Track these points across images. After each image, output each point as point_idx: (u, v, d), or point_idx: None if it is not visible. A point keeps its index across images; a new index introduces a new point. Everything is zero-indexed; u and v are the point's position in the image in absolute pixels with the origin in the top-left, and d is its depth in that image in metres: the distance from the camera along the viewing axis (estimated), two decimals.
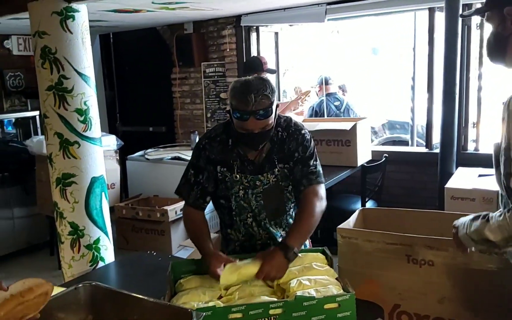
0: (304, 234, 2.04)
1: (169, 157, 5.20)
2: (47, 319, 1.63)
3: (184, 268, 2.02)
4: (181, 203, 4.58)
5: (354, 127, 4.38)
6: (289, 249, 1.90)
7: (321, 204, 2.07)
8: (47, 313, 1.64)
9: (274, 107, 2.01)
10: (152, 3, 4.20)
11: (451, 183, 3.48)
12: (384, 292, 2.06)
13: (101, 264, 2.78)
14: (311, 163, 2.13)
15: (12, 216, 5.21)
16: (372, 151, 4.85)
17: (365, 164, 4.40)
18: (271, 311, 1.63)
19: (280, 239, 2.13)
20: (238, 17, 5.59)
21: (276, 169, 2.11)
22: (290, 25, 5.84)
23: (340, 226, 2.18)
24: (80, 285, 1.78)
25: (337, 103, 5.34)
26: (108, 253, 2.82)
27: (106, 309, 1.71)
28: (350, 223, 2.27)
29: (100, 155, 2.77)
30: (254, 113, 1.94)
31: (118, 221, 4.93)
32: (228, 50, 5.74)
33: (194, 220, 2.16)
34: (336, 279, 1.87)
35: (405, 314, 2.04)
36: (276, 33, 5.97)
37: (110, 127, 7.11)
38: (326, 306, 1.65)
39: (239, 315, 1.62)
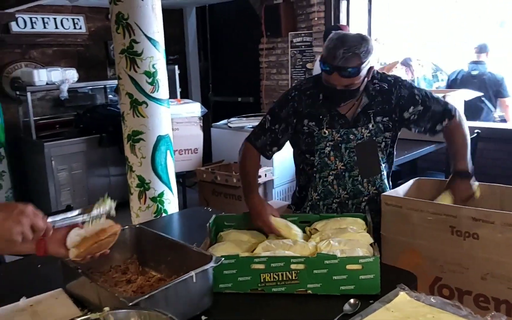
0: (466, 152, 2.12)
1: (250, 126, 5.31)
2: (100, 255, 1.83)
3: (226, 222, 2.12)
4: (260, 171, 4.75)
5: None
6: (463, 173, 2.04)
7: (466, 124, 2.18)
8: None
9: (365, 68, 1.98)
10: None
11: None
12: (426, 264, 1.99)
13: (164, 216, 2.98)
14: (436, 96, 2.19)
15: (108, 174, 5.69)
16: None
17: None
18: (293, 266, 1.66)
19: (366, 197, 2.18)
20: None
21: (371, 124, 2.11)
22: None
23: (385, 193, 2.13)
24: (127, 227, 1.94)
25: (475, 72, 5.13)
26: (171, 206, 3.01)
27: (147, 250, 1.86)
28: (399, 191, 2.20)
29: (166, 115, 2.94)
30: (339, 69, 1.93)
31: (200, 184, 5.18)
32: (316, 19, 5.67)
33: (254, 157, 2.19)
34: (371, 245, 1.84)
35: (446, 288, 1.96)
36: (370, 1, 5.77)
37: (202, 97, 7.41)
38: (349, 267, 1.64)
39: (261, 266, 1.68)
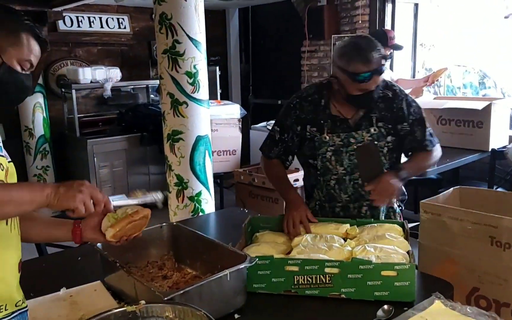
0: (416, 168, 2.19)
1: None
2: (138, 250, 1.88)
3: (262, 223, 2.13)
4: (295, 174, 4.75)
5: (487, 107, 4.05)
6: (401, 170, 2.04)
7: (436, 161, 2.24)
8: (137, 246, 1.89)
9: None
10: None
11: None
12: (464, 274, 1.95)
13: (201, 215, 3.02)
14: (428, 125, 2.18)
15: (148, 172, 5.80)
16: (511, 137, 4.44)
17: (495, 149, 4.05)
18: (327, 270, 1.66)
19: (368, 202, 2.16)
20: None
21: (373, 129, 2.11)
22: None
23: (424, 200, 2.09)
24: (164, 224, 1.98)
25: None
26: (208, 206, 3.05)
27: (184, 247, 1.91)
28: (439, 199, 2.17)
29: (206, 116, 2.98)
30: (376, 71, 1.97)
31: (237, 185, 5.21)
32: (360, 22, 5.59)
33: (276, 165, 2.27)
34: (408, 252, 1.82)
35: (484, 299, 1.91)
36: (416, 5, 5.67)
37: (243, 98, 7.45)
38: (384, 273, 1.63)
39: (295, 268, 1.68)
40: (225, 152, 5.26)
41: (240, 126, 5.37)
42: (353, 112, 2.13)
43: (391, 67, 5.28)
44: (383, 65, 1.98)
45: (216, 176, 4.94)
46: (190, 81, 2.88)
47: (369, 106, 2.10)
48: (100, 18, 6.31)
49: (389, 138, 2.14)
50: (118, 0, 5.58)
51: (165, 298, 1.32)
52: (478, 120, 4.10)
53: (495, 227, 1.84)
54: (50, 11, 5.27)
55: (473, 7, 6.24)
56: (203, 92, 2.96)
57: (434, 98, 4.71)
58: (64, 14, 5.79)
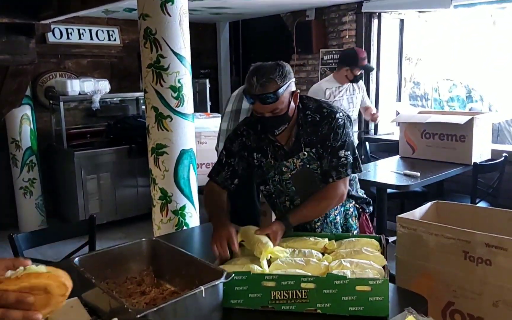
0: (306, 217, 2.12)
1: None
2: (117, 266, 1.89)
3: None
4: None
5: (470, 121, 4.12)
6: (287, 222, 2.02)
7: (338, 201, 2.14)
8: (116, 261, 1.90)
9: (285, 91, 2.02)
10: None
11: None
12: (439, 288, 1.98)
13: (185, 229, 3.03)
14: (342, 154, 2.10)
15: (136, 184, 5.78)
16: (494, 150, 4.51)
17: (477, 162, 4.11)
18: (303, 285, 1.68)
19: (318, 222, 2.20)
20: (359, 3, 5.52)
21: (302, 153, 2.13)
22: (420, 11, 5.60)
23: (401, 215, 2.13)
24: (144, 239, 1.99)
25: None
26: (192, 220, 3.06)
27: (163, 262, 1.91)
28: (415, 214, 2.20)
29: (190, 129, 3.01)
30: (257, 97, 1.99)
31: None
32: (347, 37, 5.71)
33: (217, 193, 2.23)
34: (384, 267, 1.84)
35: (458, 313, 1.94)
36: (402, 20, 5.77)
37: None
38: (358, 288, 1.65)
39: (272, 283, 1.70)
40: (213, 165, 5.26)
41: None
42: (286, 139, 2.16)
43: (377, 81, 5.35)
44: (271, 93, 1.96)
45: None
46: (175, 95, 2.90)
47: (268, 131, 2.11)
48: (90, 31, 6.32)
49: (320, 162, 2.14)
50: (108, 12, 5.59)
51: (138, 316, 1.33)
52: (461, 134, 4.17)
53: (468, 242, 1.88)
54: (37, 23, 5.25)
55: (460, 22, 6.34)
56: (188, 106, 2.98)
57: (419, 112, 4.78)
58: (53, 26, 5.77)
